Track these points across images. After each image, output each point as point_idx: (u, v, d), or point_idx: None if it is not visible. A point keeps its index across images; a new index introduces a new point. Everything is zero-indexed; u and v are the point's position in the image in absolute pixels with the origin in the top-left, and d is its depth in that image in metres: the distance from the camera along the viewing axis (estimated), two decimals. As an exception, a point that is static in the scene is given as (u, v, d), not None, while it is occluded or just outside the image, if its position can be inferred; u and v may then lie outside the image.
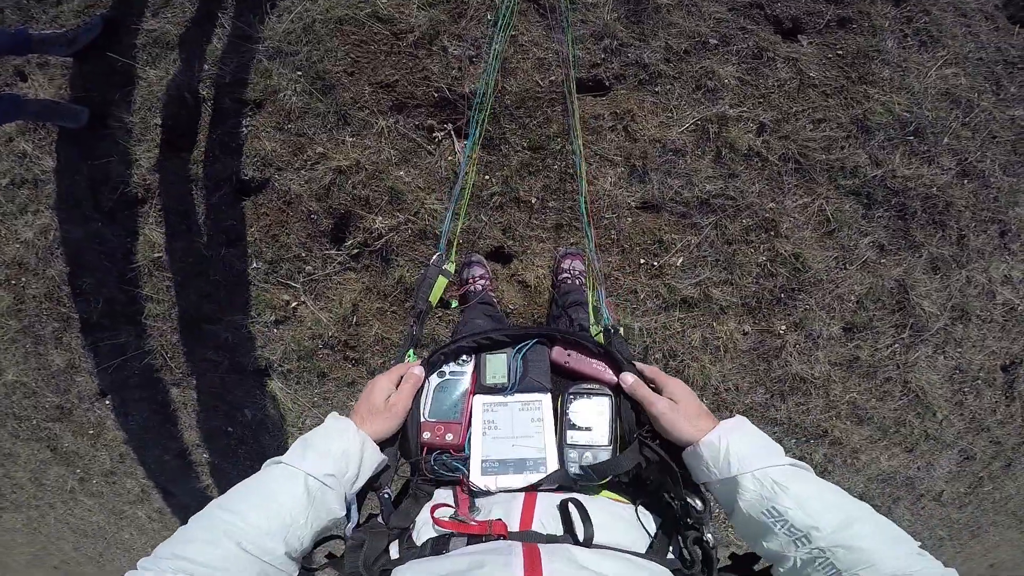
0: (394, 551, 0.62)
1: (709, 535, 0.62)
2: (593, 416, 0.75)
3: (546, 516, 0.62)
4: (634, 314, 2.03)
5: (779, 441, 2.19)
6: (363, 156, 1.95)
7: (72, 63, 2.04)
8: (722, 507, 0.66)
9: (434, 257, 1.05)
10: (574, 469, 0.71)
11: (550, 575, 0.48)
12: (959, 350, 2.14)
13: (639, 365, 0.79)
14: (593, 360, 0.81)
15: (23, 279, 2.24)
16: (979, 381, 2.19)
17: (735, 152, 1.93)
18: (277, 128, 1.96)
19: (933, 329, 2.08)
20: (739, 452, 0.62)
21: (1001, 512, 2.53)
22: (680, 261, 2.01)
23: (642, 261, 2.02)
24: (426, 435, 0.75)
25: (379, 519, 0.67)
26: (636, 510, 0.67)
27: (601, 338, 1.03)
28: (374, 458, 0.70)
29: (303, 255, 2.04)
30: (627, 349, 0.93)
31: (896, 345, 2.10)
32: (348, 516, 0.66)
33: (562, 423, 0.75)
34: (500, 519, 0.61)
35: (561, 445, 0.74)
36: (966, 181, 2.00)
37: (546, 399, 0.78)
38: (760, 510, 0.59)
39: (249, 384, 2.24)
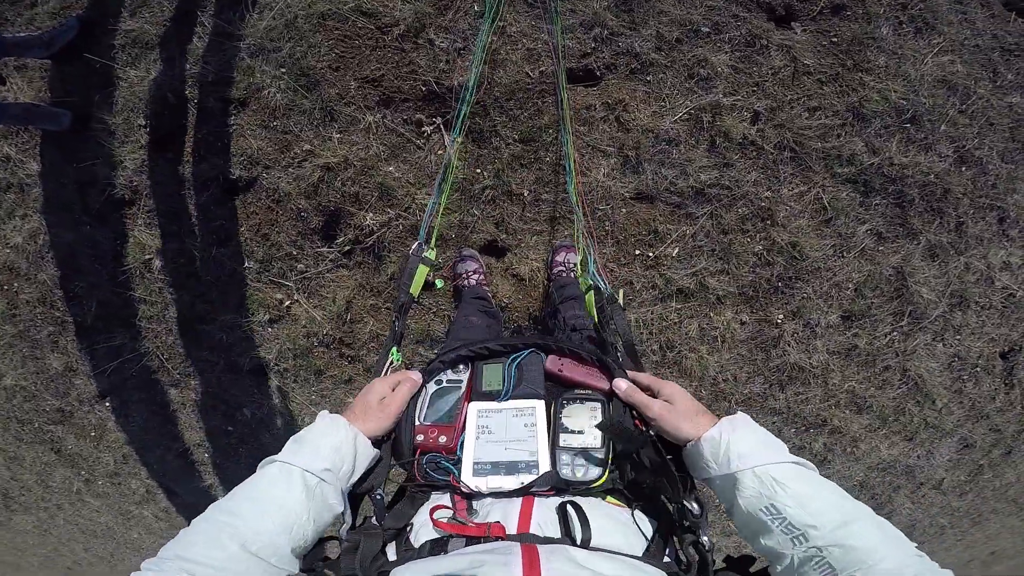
0: (392, 553, 0.62)
1: (705, 538, 0.62)
2: (585, 420, 0.76)
3: (544, 519, 0.62)
4: (630, 306, 2.02)
5: (778, 432, 2.22)
6: (351, 152, 1.92)
7: (51, 65, 2.02)
8: (722, 503, 0.66)
9: (414, 246, 1.04)
10: (566, 472, 0.72)
11: (549, 574, 0.48)
12: (958, 337, 2.12)
13: (632, 373, 0.80)
14: (586, 368, 0.83)
15: (15, 284, 2.23)
16: (978, 368, 2.17)
17: (730, 141, 1.90)
18: (263, 126, 1.94)
19: (932, 316, 2.07)
20: (739, 448, 0.62)
21: (1001, 500, 2.54)
22: (676, 251, 1.99)
23: (637, 252, 2.00)
24: (420, 438, 0.77)
25: (373, 520, 0.67)
26: (633, 514, 0.67)
27: (592, 298, 1.06)
28: (367, 452, 0.71)
29: (294, 253, 2.03)
30: (625, 321, 0.95)
31: (895, 333, 2.08)
32: (344, 516, 0.67)
33: (555, 427, 0.76)
34: (498, 521, 0.61)
35: (554, 448, 0.75)
36: (964, 168, 1.97)
37: (539, 405, 0.79)
38: (759, 507, 0.59)
39: (246, 383, 2.24)
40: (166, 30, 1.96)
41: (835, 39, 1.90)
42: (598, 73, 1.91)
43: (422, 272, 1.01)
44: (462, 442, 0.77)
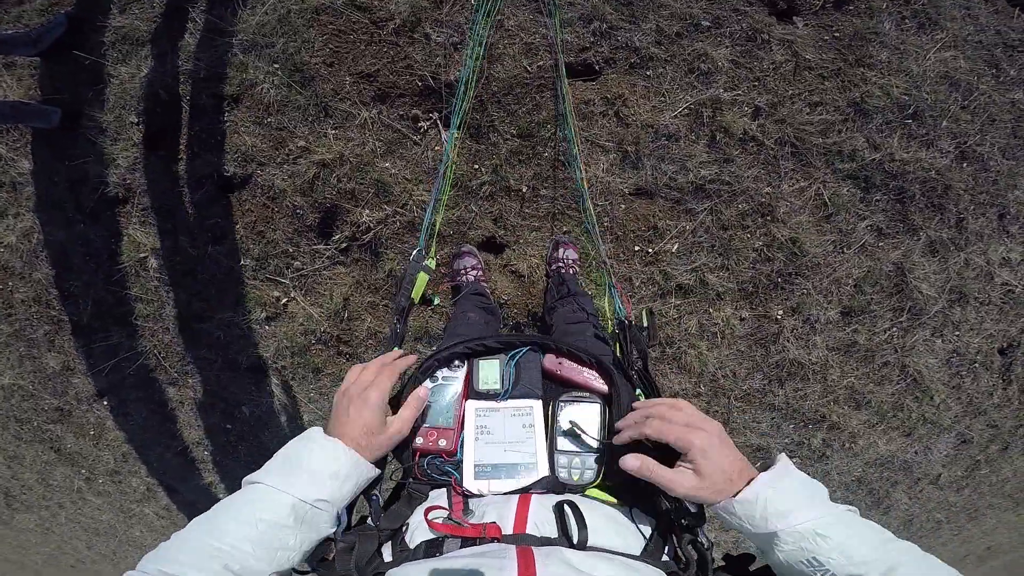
0: (387, 553, 0.62)
1: (704, 537, 0.61)
2: (583, 423, 0.75)
3: (540, 519, 0.61)
4: (630, 301, 2.01)
5: (777, 427, 2.23)
6: (347, 148, 1.90)
7: (40, 63, 1.98)
8: (754, 547, 0.63)
9: (414, 253, 1.03)
10: (563, 475, 0.72)
11: None
12: (957, 333, 2.12)
13: (639, 406, 0.69)
14: (584, 369, 0.82)
15: (10, 283, 2.22)
16: (976, 364, 2.18)
17: (730, 136, 1.88)
18: (256, 122, 1.91)
19: (931, 312, 2.06)
20: (777, 508, 0.56)
21: (998, 495, 2.55)
22: (675, 247, 1.98)
23: (636, 248, 1.99)
24: (419, 440, 0.76)
25: (369, 521, 0.67)
26: (631, 512, 0.67)
27: (614, 334, 0.99)
28: (370, 475, 0.67)
29: (291, 251, 2.01)
30: (644, 340, 0.90)
31: (894, 329, 2.08)
32: (339, 520, 0.64)
33: (552, 429, 0.76)
34: (494, 522, 0.61)
35: (551, 451, 0.74)
36: (965, 164, 1.96)
37: (537, 405, 0.79)
38: (799, 559, 0.55)
39: (244, 381, 2.24)
40: (157, 26, 1.92)
41: (837, 34, 1.88)
42: (597, 68, 1.88)
43: (422, 280, 1.00)
44: (462, 443, 0.76)
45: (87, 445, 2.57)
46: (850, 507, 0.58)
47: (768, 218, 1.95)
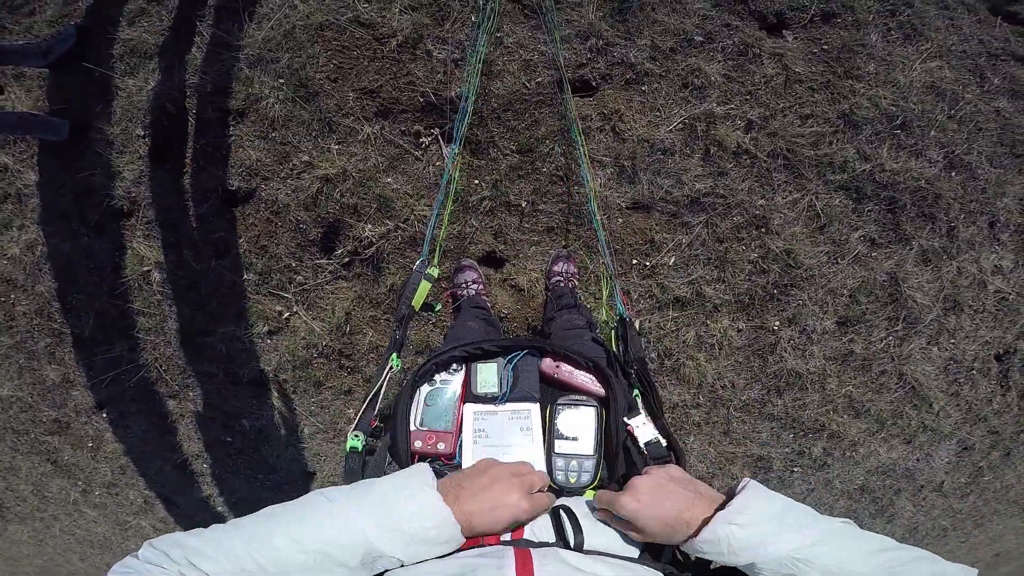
0: None
1: None
2: (580, 426, 0.77)
3: (538, 524, 0.62)
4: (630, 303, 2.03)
5: (777, 436, 2.23)
6: (350, 163, 1.93)
7: (49, 74, 2.01)
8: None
9: (418, 262, 1.05)
10: (560, 477, 0.73)
11: None
12: (953, 341, 2.14)
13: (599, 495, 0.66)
14: (581, 372, 0.83)
15: (12, 296, 2.23)
16: (974, 371, 2.19)
17: (723, 150, 1.92)
18: (261, 137, 1.95)
19: (926, 321, 2.08)
20: (746, 541, 0.52)
21: (1003, 501, 2.54)
22: (672, 260, 2.00)
23: (634, 261, 2.02)
24: (417, 444, 0.76)
25: None
26: None
27: (611, 333, 1.02)
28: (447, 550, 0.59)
29: (293, 265, 2.03)
30: (639, 342, 0.93)
31: (890, 338, 2.10)
32: None
33: (550, 433, 0.77)
34: None
35: (549, 454, 0.75)
36: (954, 173, 2.00)
37: (535, 409, 0.80)
38: None
39: (246, 395, 2.24)
40: (164, 40, 1.96)
41: (826, 47, 1.93)
42: (594, 83, 1.93)
43: (424, 288, 1.01)
44: (460, 445, 0.77)
45: (85, 457, 2.55)
46: (845, 520, 0.56)
47: (763, 230, 1.98)
